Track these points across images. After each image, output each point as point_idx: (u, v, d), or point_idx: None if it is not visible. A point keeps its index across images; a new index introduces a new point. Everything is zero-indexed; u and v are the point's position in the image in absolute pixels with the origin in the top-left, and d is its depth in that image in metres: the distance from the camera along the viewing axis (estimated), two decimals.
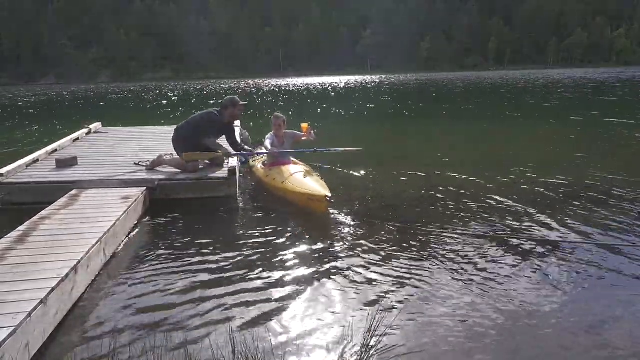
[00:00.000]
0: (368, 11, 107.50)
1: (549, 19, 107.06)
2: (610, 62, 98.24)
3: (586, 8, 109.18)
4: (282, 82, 56.01)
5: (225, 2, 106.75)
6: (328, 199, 4.51)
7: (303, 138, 5.93)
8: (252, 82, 55.84)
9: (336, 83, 47.05)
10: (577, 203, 5.00)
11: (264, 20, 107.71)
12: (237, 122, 9.17)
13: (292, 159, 5.97)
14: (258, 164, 6.21)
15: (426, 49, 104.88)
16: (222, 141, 6.07)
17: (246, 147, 6.31)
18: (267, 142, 5.76)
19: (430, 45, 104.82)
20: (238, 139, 6.29)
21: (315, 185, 4.84)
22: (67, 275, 2.91)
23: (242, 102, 5.85)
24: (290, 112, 15.78)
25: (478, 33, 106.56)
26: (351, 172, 6.70)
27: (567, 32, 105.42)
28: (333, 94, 30.15)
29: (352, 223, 4.53)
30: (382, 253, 3.78)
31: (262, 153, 5.98)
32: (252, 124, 10.80)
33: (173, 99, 29.12)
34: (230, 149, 5.92)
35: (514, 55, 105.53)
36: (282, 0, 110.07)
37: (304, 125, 5.92)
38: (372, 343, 2.46)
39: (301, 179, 5.05)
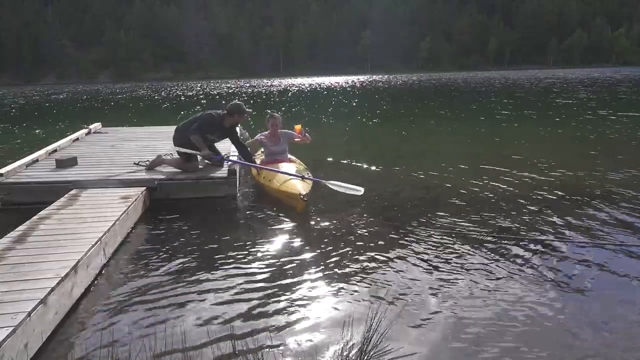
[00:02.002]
0: (368, 11, 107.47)
1: (549, 19, 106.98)
2: (610, 62, 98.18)
3: (586, 8, 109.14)
4: (282, 82, 55.99)
5: (225, 2, 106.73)
6: (302, 197, 4.65)
7: (296, 139, 6.01)
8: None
9: (336, 83, 47.06)
10: (578, 203, 5.00)
11: (264, 20, 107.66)
12: None
13: (289, 156, 6.06)
14: (257, 160, 6.25)
15: (426, 49, 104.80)
16: (224, 143, 6.13)
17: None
18: (257, 142, 6.00)
19: (430, 45, 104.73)
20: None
21: (296, 184, 4.95)
22: (66, 275, 2.91)
23: (245, 108, 5.78)
24: (298, 111, 15.78)
25: (478, 33, 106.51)
26: (351, 172, 6.70)
27: (567, 32, 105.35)
28: (332, 93, 30.16)
29: (352, 223, 4.52)
30: (382, 253, 3.78)
31: (249, 165, 5.81)
32: (252, 125, 10.80)
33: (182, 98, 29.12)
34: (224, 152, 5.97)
35: (514, 55, 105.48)
36: (282, 0, 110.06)
37: (297, 127, 6.01)
38: (372, 343, 2.45)
39: (286, 178, 5.13)
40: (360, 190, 5.00)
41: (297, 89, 37.53)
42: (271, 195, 5.30)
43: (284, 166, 5.54)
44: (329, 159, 7.55)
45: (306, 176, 5.31)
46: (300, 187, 4.89)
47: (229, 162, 5.74)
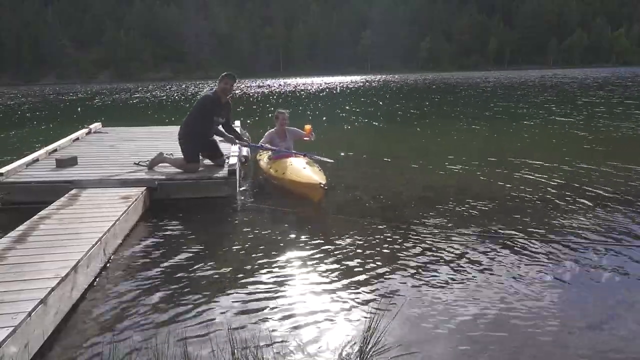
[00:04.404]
0: (368, 11, 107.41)
1: (549, 19, 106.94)
2: (610, 62, 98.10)
3: (586, 8, 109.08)
4: (282, 82, 55.91)
5: (225, 2, 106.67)
6: (322, 186, 4.84)
7: (305, 138, 6.35)
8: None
9: (336, 83, 47.03)
10: (577, 203, 5.00)
11: (264, 20, 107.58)
12: (238, 122, 9.18)
13: (294, 152, 6.24)
14: (264, 157, 6.50)
15: (426, 49, 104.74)
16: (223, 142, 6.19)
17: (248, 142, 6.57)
18: (266, 139, 6.24)
19: (430, 45, 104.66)
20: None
21: (312, 175, 5.17)
22: (67, 275, 2.91)
23: (225, 73, 5.81)
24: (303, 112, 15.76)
25: (478, 33, 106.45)
26: (352, 172, 6.70)
27: (567, 32, 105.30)
28: (333, 94, 30.15)
29: (352, 223, 4.52)
30: (382, 253, 3.78)
31: (265, 148, 6.24)
32: (250, 121, 10.79)
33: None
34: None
35: (514, 55, 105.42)
36: (282, 0, 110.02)
37: (307, 127, 6.36)
38: (372, 343, 2.45)
39: (300, 169, 5.39)
40: (331, 161, 6.14)
41: (298, 89, 37.51)
42: (285, 187, 5.47)
43: (292, 160, 5.74)
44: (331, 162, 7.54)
45: (307, 154, 6.03)
46: (318, 177, 5.10)
47: (260, 146, 6.19)
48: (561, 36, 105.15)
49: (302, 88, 38.10)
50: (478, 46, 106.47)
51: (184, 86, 50.13)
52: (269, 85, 44.88)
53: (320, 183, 4.88)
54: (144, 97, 31.45)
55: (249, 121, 12.99)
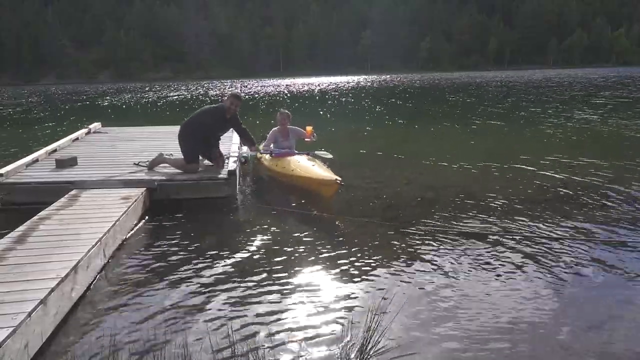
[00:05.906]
0: (368, 11, 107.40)
1: (549, 19, 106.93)
2: (610, 62, 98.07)
3: (586, 8, 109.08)
4: (283, 82, 55.89)
5: (225, 2, 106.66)
6: (338, 182, 4.92)
7: (306, 139, 6.52)
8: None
9: (337, 83, 47.02)
10: (577, 202, 5.01)
11: (264, 20, 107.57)
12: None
13: (296, 151, 6.39)
14: (266, 156, 6.58)
15: (426, 49, 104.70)
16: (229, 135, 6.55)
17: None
18: (269, 138, 6.45)
19: (430, 45, 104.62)
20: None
21: (323, 172, 5.32)
22: (67, 276, 2.91)
23: (231, 93, 5.90)
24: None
25: (478, 33, 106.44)
26: (354, 171, 6.70)
27: (567, 32, 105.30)
28: (335, 94, 30.16)
29: (352, 223, 4.53)
30: (382, 253, 3.79)
31: (273, 151, 6.39)
32: (257, 120, 10.79)
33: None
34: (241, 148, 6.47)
35: (514, 55, 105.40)
36: (282, 0, 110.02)
37: (309, 129, 6.54)
38: (372, 343, 2.46)
39: (309, 166, 5.52)
40: (330, 156, 6.26)
41: (299, 89, 37.50)
42: (294, 184, 5.59)
43: (298, 158, 5.92)
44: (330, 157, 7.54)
45: (310, 153, 6.19)
46: (331, 173, 5.23)
47: (269, 152, 6.34)
48: (561, 36, 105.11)
49: (305, 88, 38.08)
50: (478, 46, 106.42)
51: (190, 87, 50.08)
52: (263, 86, 44.84)
53: (337, 179, 4.95)
54: (156, 97, 31.45)
55: (250, 119, 12.98)
